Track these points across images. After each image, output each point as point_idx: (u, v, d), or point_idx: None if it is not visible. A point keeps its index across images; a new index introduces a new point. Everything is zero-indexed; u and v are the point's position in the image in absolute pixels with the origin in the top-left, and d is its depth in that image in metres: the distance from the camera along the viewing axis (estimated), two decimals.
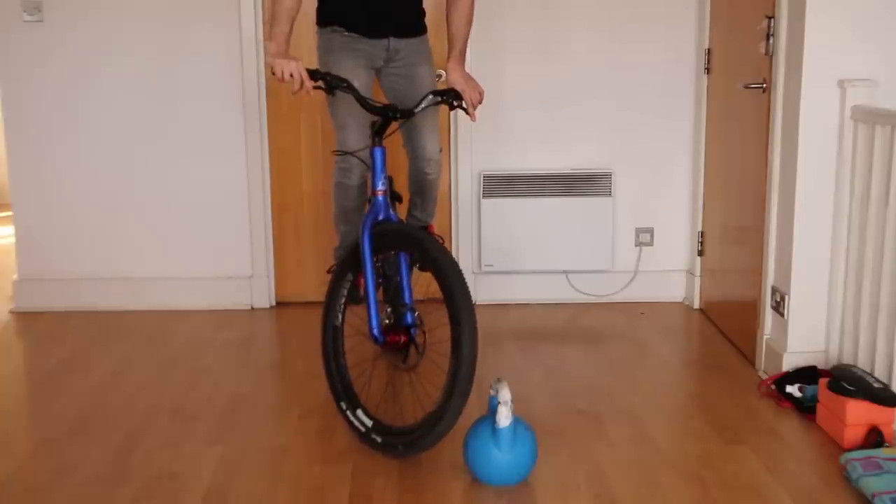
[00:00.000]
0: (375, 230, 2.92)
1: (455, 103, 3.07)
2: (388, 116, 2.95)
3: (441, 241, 3.07)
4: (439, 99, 3.04)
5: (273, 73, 2.85)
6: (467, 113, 3.10)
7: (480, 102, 3.12)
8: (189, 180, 4.51)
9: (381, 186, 2.97)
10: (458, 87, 3.09)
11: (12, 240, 4.62)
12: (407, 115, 2.98)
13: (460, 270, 2.75)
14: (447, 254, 2.80)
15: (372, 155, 2.98)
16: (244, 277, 4.59)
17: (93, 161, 4.49)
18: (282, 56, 2.88)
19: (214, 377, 3.64)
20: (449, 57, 3.21)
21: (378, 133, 2.96)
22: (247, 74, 4.40)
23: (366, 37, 3.21)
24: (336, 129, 3.22)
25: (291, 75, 2.84)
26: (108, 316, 4.48)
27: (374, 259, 2.94)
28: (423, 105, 3.00)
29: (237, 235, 4.57)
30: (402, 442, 2.83)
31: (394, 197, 3.15)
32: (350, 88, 2.93)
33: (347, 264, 3.07)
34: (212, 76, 4.42)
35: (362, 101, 2.94)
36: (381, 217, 2.96)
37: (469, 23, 3.23)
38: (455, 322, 2.69)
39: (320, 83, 2.88)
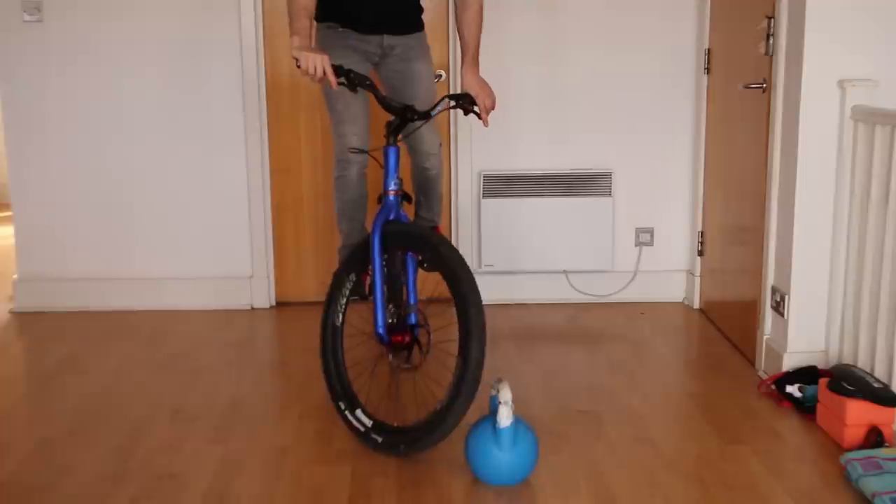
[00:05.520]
0: (385, 229, 2.92)
1: (469, 108, 3.08)
2: (405, 117, 2.95)
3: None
4: (454, 103, 3.05)
5: (298, 67, 2.86)
6: (479, 117, 3.10)
7: (493, 108, 3.13)
8: (189, 180, 4.51)
9: (393, 186, 2.98)
10: (473, 92, 3.11)
11: (12, 240, 4.61)
12: (424, 116, 2.98)
13: (470, 271, 2.76)
14: (457, 255, 2.80)
15: (385, 154, 2.98)
16: (244, 277, 4.59)
17: (93, 161, 4.49)
18: (307, 49, 2.89)
19: (214, 377, 3.64)
20: (463, 62, 3.22)
21: (394, 133, 2.97)
22: (247, 75, 4.40)
23: (361, 33, 3.23)
24: (333, 124, 3.24)
25: (316, 69, 2.85)
26: (107, 316, 4.48)
27: (382, 258, 2.94)
28: (439, 108, 3.01)
29: (237, 235, 4.57)
30: (404, 441, 2.83)
31: (404, 197, 3.15)
32: (372, 87, 2.94)
33: (350, 264, 3.06)
34: (212, 76, 4.42)
35: (382, 101, 2.95)
36: (391, 216, 2.96)
37: (479, 26, 3.23)
38: (464, 323, 2.69)
39: (343, 80, 2.89)
